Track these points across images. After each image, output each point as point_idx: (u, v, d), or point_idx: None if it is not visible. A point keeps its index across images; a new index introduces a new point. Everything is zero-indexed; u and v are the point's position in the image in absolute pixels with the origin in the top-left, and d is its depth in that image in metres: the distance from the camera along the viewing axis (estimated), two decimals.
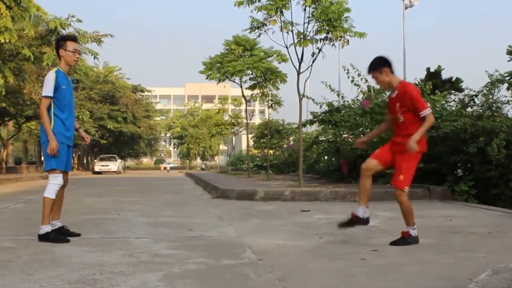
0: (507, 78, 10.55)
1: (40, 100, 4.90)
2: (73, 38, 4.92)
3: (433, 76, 17.20)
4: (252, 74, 16.10)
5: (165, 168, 65.23)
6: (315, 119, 13.28)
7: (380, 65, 4.51)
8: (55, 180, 4.64)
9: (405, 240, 4.41)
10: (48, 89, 4.59)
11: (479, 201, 8.45)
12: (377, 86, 12.47)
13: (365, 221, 4.53)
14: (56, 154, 4.57)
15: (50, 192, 4.61)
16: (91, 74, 34.95)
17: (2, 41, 13.42)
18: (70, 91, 4.80)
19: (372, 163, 4.52)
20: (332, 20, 9.91)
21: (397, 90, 4.48)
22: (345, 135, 12.78)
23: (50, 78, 4.62)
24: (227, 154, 56.07)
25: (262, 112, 42.80)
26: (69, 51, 4.75)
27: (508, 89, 12.58)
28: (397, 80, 4.53)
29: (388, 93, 5.23)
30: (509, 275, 2.68)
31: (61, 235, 4.65)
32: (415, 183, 9.97)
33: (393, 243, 4.41)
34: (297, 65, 10.57)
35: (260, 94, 17.40)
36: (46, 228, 4.58)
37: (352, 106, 12.72)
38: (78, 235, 4.84)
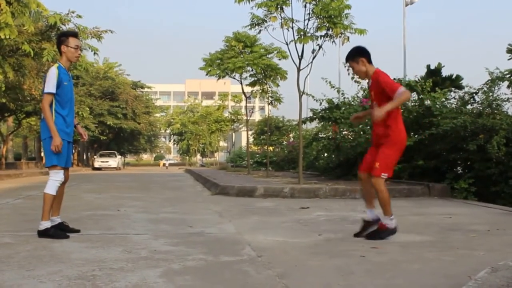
0: (507, 76, 10.54)
1: (40, 96, 4.90)
2: (75, 34, 4.89)
3: (433, 74, 17.17)
4: (252, 70, 16.09)
5: (164, 165, 65.22)
6: (315, 116, 13.27)
7: (356, 54, 4.59)
8: (56, 176, 4.64)
9: (379, 234, 4.47)
10: (50, 86, 4.58)
11: (478, 199, 8.45)
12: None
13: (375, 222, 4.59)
14: (60, 151, 4.58)
15: (51, 188, 4.61)
16: (91, 70, 35.00)
17: (2, 37, 13.41)
18: (70, 87, 4.79)
19: (362, 176, 4.68)
20: (333, 16, 9.90)
21: (372, 79, 4.57)
22: (345, 132, 12.77)
23: (52, 75, 4.60)
24: (227, 151, 56.09)
25: (262, 108, 42.77)
26: (71, 48, 4.74)
27: (508, 87, 12.56)
28: (373, 70, 4.60)
29: None
30: (508, 272, 2.68)
31: (60, 231, 4.65)
32: (415, 180, 10.02)
33: (368, 236, 4.50)
34: (297, 62, 10.57)
35: (260, 91, 17.38)
36: (45, 224, 4.59)
37: (352, 103, 12.71)
38: (78, 231, 4.84)
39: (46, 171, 4.83)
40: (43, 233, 4.56)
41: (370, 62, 4.58)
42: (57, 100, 4.63)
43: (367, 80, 4.76)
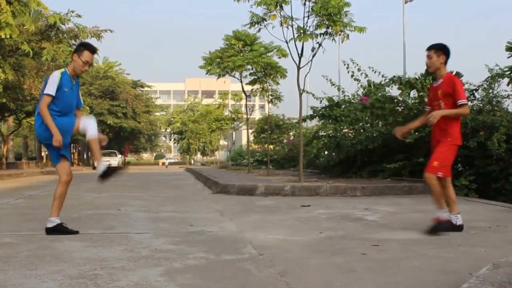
0: (507, 73, 10.53)
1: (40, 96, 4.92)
2: (93, 50, 4.88)
3: None
4: (252, 69, 16.07)
5: (163, 164, 65.09)
6: (315, 114, 13.26)
7: (441, 49, 4.83)
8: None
9: (439, 226, 4.63)
10: (51, 88, 4.62)
11: (479, 196, 8.45)
12: (377, 81, 12.48)
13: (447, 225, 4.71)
14: (61, 145, 4.63)
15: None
16: (91, 69, 34.92)
17: (3, 36, 13.39)
18: (72, 95, 4.79)
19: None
20: (332, 14, 9.88)
21: (443, 79, 4.82)
22: (345, 130, 12.78)
23: (55, 78, 4.65)
24: (227, 149, 56.07)
25: (262, 107, 42.77)
26: (81, 60, 4.76)
27: (508, 83, 12.56)
28: (446, 72, 4.87)
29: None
30: (509, 269, 2.68)
31: (69, 229, 4.72)
32: (415, 177, 10.01)
33: (428, 232, 4.63)
34: (297, 60, 10.56)
35: (260, 89, 17.36)
36: (54, 220, 4.67)
37: (352, 101, 12.71)
38: (76, 232, 4.81)
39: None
40: (51, 229, 4.67)
41: (445, 64, 4.86)
42: (53, 102, 4.65)
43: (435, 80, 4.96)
